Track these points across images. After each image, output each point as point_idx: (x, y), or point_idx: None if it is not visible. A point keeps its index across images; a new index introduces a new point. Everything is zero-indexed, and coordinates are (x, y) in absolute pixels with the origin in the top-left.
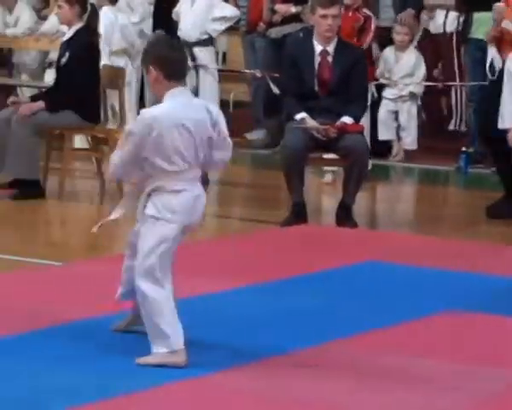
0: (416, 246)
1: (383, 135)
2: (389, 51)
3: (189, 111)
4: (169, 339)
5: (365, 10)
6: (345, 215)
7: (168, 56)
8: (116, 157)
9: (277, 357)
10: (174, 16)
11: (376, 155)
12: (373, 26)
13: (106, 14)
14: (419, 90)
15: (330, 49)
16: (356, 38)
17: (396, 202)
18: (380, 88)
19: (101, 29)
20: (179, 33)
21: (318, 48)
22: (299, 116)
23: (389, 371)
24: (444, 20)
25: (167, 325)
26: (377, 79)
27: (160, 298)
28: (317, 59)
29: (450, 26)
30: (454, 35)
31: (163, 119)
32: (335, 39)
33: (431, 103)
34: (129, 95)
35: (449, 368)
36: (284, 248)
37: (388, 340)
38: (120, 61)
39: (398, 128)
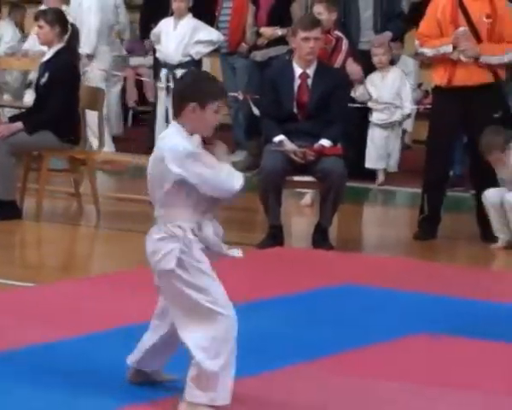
0: (392, 269)
1: (372, 163)
2: (373, 75)
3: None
4: None
5: (337, 32)
6: (321, 238)
7: None
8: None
9: (246, 379)
10: (152, 38)
11: (352, 177)
12: (344, 47)
13: None
14: (410, 111)
15: (310, 71)
16: (328, 59)
17: (374, 224)
18: (366, 112)
19: None
20: (158, 55)
21: (298, 70)
22: (277, 139)
23: (354, 393)
24: None
25: None
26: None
27: None
28: (297, 82)
29: None
30: None
31: None
32: (315, 62)
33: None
34: None
35: (415, 390)
36: (259, 271)
37: (357, 362)
38: None
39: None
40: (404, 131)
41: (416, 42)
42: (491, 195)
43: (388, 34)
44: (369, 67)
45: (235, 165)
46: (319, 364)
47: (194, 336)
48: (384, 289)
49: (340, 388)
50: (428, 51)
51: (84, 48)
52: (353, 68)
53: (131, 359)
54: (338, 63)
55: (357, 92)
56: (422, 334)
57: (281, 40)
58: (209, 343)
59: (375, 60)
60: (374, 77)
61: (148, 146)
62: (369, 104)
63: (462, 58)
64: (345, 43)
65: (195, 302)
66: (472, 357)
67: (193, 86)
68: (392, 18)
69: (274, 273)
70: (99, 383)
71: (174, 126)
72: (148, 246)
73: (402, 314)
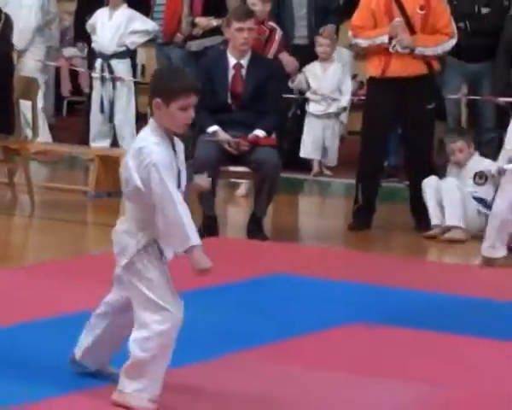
0: (327, 259)
1: (307, 153)
2: (314, 66)
3: None
4: None
5: (271, 23)
6: (255, 228)
7: None
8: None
9: (179, 369)
10: (88, 28)
11: (288, 168)
12: (277, 38)
13: None
14: (347, 104)
15: (244, 62)
16: (262, 50)
17: (309, 215)
18: (303, 103)
19: None
20: (94, 45)
21: (232, 61)
22: (211, 129)
23: (288, 383)
24: None
25: None
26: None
27: None
28: (231, 72)
29: None
30: None
31: None
32: (249, 53)
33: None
34: None
35: (348, 380)
36: None
37: (293, 352)
38: None
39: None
40: (341, 123)
41: (350, 33)
42: (432, 182)
43: (333, 26)
44: (305, 60)
45: None
46: (253, 354)
47: (135, 328)
48: (319, 280)
49: (274, 377)
50: (363, 42)
51: (17, 44)
52: (288, 60)
53: (77, 353)
54: (271, 53)
55: (296, 81)
56: (358, 324)
57: (216, 30)
58: (145, 335)
59: (320, 50)
60: (315, 68)
61: (82, 136)
62: (307, 95)
63: (399, 49)
64: (278, 34)
65: (146, 297)
66: (406, 346)
67: (159, 81)
68: (328, 13)
69: None
70: (34, 372)
71: (149, 125)
72: (114, 235)
73: (337, 304)
